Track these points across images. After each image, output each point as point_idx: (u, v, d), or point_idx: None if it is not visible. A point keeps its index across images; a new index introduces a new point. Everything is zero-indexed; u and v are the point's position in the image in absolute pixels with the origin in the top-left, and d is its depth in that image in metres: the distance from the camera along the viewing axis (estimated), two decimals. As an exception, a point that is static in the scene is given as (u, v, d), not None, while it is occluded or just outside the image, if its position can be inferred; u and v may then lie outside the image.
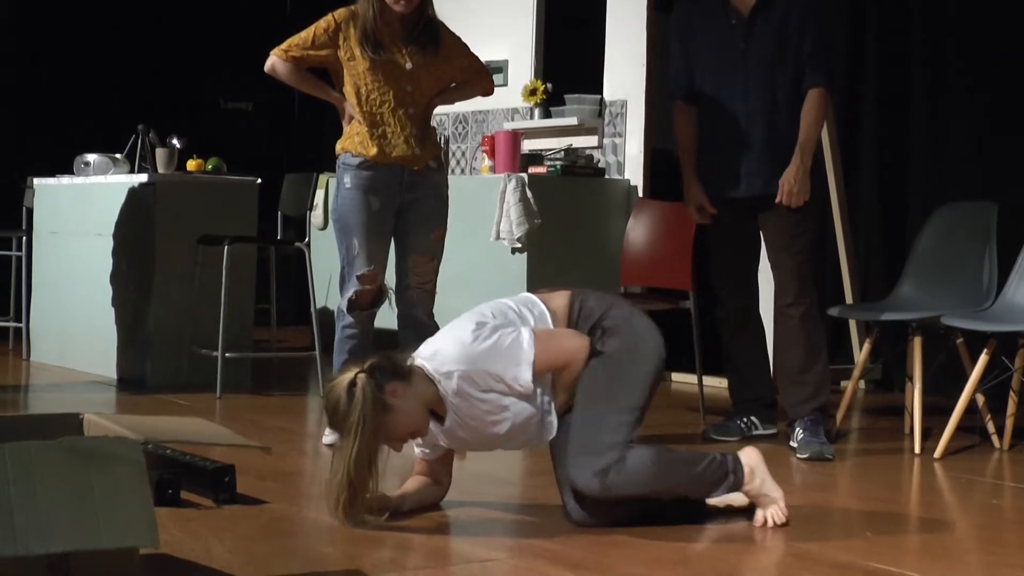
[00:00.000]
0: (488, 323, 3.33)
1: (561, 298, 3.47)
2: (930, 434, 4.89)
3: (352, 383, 3.24)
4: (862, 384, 6.47)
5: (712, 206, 4.91)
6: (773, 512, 3.48)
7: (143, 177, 6.30)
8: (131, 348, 6.32)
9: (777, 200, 4.75)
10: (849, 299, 6.48)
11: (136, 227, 6.29)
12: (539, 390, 3.34)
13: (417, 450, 3.55)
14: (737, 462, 3.47)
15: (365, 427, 3.20)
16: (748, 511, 3.55)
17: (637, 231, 6.02)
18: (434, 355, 3.31)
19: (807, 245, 4.88)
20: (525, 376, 3.26)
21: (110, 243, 6.48)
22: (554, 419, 3.38)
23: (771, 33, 4.76)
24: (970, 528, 3.81)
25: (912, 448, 4.81)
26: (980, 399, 4.95)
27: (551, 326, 3.39)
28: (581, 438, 3.32)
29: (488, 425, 3.33)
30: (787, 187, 4.74)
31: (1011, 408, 4.93)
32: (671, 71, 5.06)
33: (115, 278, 6.44)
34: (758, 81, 4.77)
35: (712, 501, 3.57)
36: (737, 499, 3.57)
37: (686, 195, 4.99)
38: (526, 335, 3.29)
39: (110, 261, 6.48)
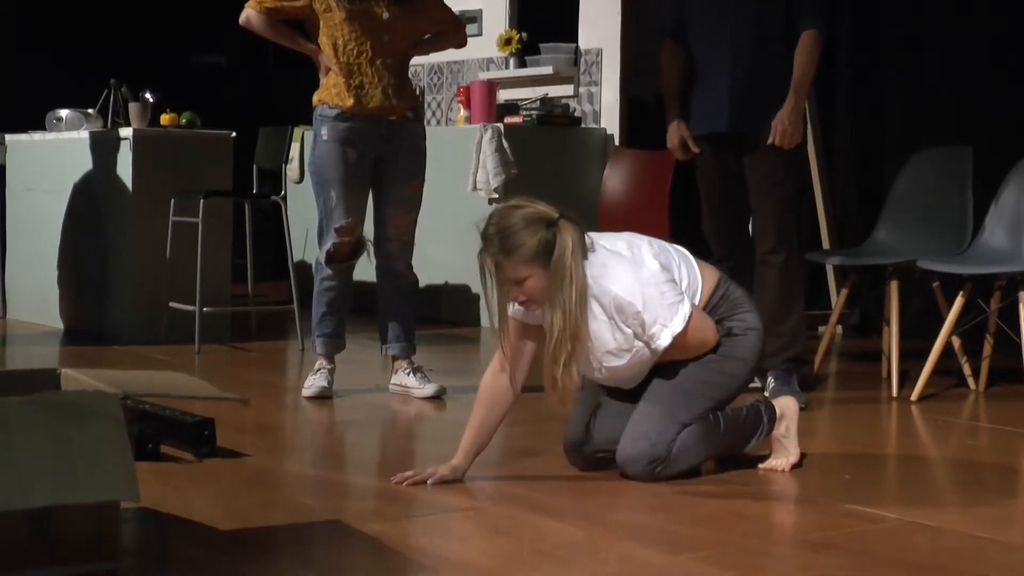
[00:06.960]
0: (669, 274, 3.31)
1: (711, 279, 3.45)
2: (907, 377, 4.91)
3: (552, 223, 3.17)
4: (839, 329, 6.50)
5: (696, 145, 4.83)
6: (781, 464, 3.51)
7: (117, 132, 6.26)
8: (108, 303, 6.30)
9: (769, 141, 4.63)
10: (826, 244, 6.49)
11: (111, 182, 6.25)
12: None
13: (516, 308, 3.34)
14: (771, 409, 3.51)
15: (578, 276, 3.16)
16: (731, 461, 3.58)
17: (614, 180, 6.02)
18: (604, 267, 3.26)
19: (791, 192, 4.79)
20: (664, 341, 3.28)
21: (84, 199, 6.44)
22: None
23: None
24: (947, 469, 3.85)
25: (889, 391, 4.84)
26: (956, 342, 4.97)
27: (698, 299, 3.38)
28: (645, 422, 3.33)
29: (604, 353, 3.31)
30: (780, 128, 4.63)
31: (987, 350, 4.97)
32: (661, 7, 4.97)
33: (90, 234, 6.41)
34: (749, 19, 4.68)
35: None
36: None
37: (669, 131, 4.84)
38: (687, 308, 3.29)
39: (85, 217, 6.44)
